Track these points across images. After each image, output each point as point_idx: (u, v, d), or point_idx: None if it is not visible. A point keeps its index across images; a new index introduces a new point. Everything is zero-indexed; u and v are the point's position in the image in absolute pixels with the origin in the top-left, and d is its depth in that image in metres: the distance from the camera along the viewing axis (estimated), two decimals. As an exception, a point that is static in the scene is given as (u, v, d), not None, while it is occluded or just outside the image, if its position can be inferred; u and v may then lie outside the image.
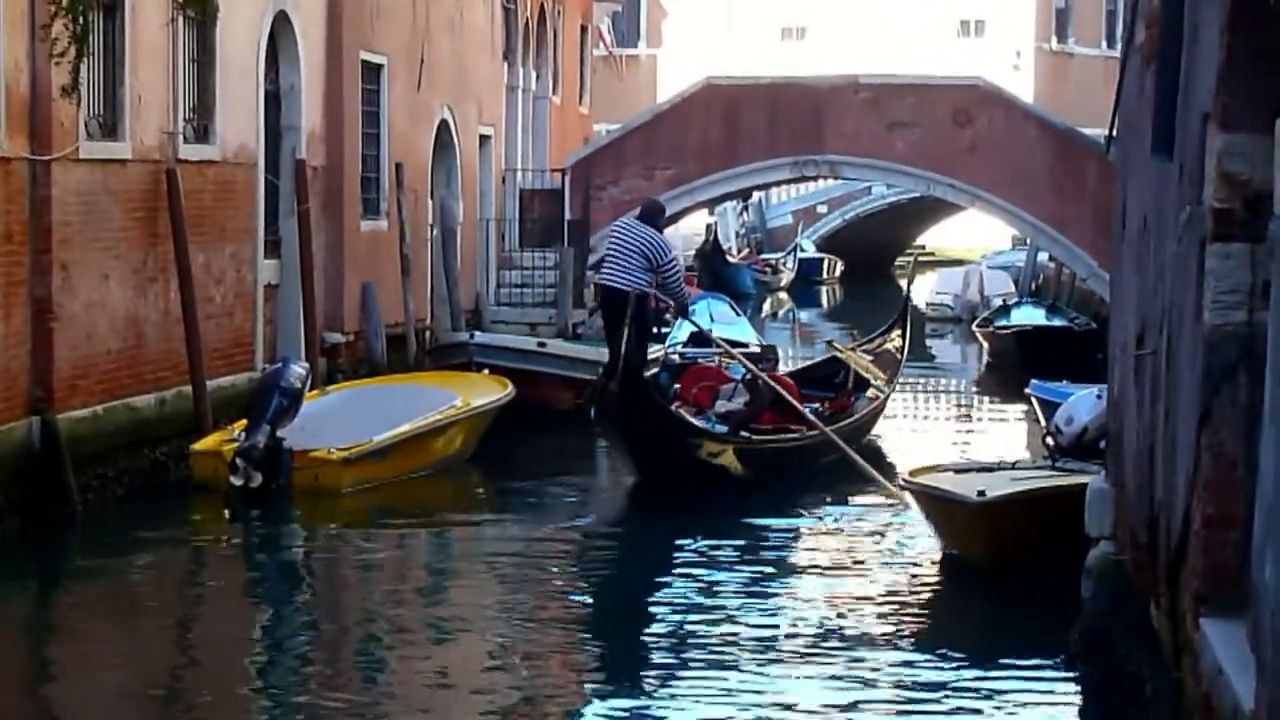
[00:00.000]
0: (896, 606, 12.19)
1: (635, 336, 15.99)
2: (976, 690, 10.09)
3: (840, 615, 11.81)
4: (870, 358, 21.07)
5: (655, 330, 21.21)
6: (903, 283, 28.40)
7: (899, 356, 21.34)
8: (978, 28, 54.49)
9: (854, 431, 18.31)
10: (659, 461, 16.00)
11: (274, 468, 15.40)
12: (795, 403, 17.42)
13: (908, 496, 14.22)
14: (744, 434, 17.04)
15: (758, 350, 21.78)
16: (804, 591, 12.69)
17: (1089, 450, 13.95)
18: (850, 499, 16.46)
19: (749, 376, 17.81)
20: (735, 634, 11.29)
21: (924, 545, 13.83)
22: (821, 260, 53.48)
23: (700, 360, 21.98)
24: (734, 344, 21.08)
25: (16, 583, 12.68)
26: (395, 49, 22.31)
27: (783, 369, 20.92)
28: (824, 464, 17.13)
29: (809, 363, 22.34)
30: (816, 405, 18.37)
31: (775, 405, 17.45)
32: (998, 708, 9.79)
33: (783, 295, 47.84)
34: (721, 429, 16.92)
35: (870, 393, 19.77)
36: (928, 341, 34.19)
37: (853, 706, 9.70)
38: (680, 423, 16.45)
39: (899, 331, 21.86)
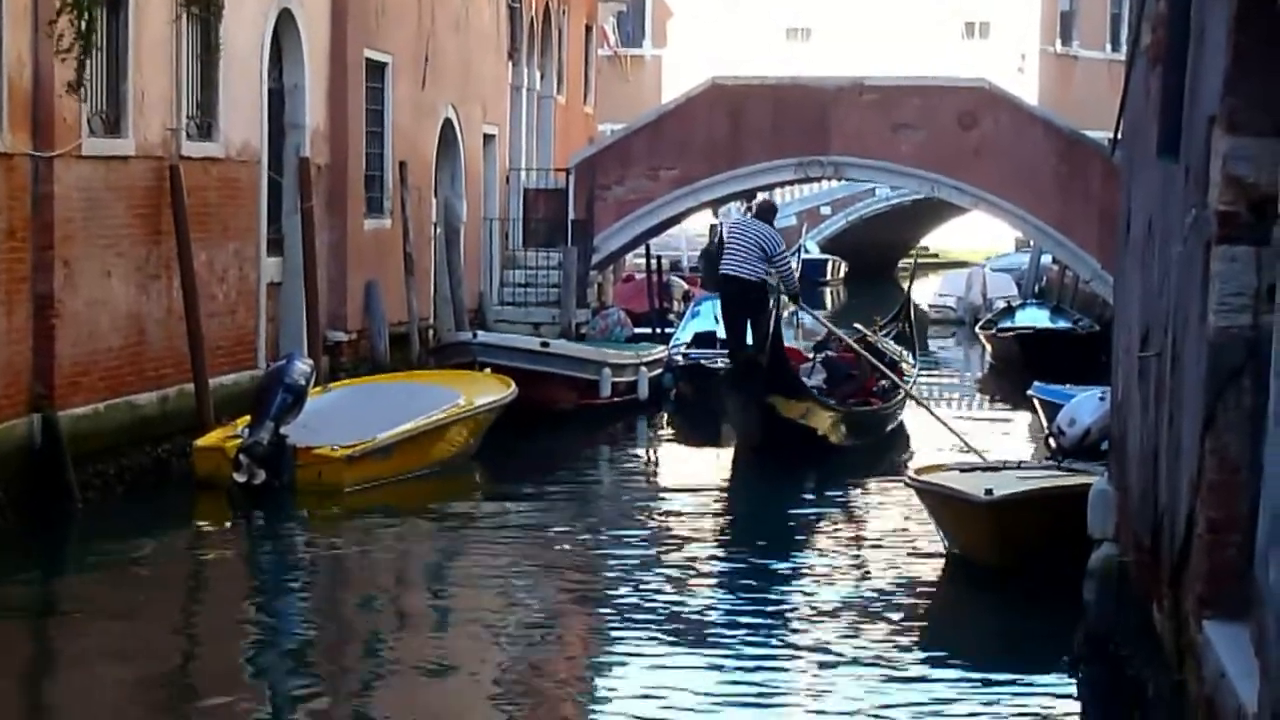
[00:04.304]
0: (899, 605, 12.16)
1: (762, 318, 18.12)
2: (978, 691, 10.07)
3: (842, 614, 11.80)
4: (892, 342, 23.33)
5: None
6: (905, 284, 28.47)
7: (911, 340, 24.12)
8: (983, 30, 54.51)
9: (901, 404, 20.59)
10: (778, 425, 17.87)
11: (277, 465, 15.40)
12: (886, 370, 20.34)
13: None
14: (845, 404, 19.58)
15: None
16: (806, 589, 12.70)
17: (1091, 452, 13.96)
18: (857, 495, 16.79)
19: (825, 356, 21.03)
20: (734, 631, 11.27)
21: (928, 544, 13.81)
22: (825, 261, 53.45)
23: (703, 362, 22.59)
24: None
25: (17, 579, 12.65)
26: (400, 47, 22.29)
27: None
28: (878, 436, 19.99)
29: None
30: (883, 382, 20.53)
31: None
32: (999, 709, 9.77)
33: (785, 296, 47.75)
34: (829, 400, 19.32)
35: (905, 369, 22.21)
36: (931, 343, 34.15)
37: (853, 706, 9.69)
38: (808, 393, 18.63)
39: (903, 322, 24.56)
